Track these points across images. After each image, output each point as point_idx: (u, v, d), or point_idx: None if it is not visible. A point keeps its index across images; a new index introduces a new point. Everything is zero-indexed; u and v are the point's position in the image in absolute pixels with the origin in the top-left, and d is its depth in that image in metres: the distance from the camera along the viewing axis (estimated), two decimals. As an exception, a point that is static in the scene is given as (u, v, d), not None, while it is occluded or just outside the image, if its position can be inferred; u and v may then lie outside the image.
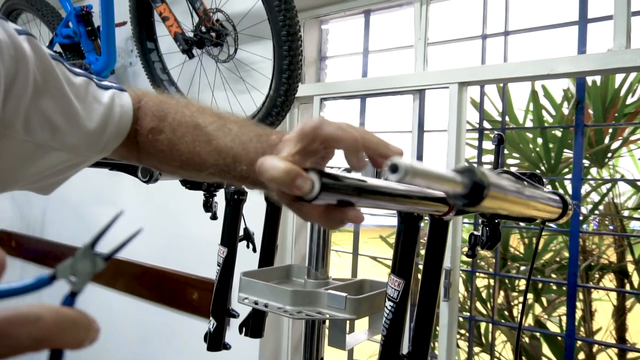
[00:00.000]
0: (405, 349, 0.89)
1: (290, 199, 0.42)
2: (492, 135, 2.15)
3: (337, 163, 0.49)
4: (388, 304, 0.84)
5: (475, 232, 0.87)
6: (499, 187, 0.34)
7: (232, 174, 0.56)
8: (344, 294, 0.88)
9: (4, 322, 0.21)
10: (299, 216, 0.45)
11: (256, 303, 0.94)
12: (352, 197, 0.39)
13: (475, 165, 0.33)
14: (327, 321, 1.00)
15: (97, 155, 0.62)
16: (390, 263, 2.40)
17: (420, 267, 0.91)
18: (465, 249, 1.87)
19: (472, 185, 0.32)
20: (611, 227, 2.21)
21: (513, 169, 2.25)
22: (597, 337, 2.07)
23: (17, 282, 0.24)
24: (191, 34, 1.58)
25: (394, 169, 0.24)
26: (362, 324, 1.04)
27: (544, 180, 0.80)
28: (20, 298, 0.24)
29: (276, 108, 1.45)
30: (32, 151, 0.53)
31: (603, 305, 2.15)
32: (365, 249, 2.00)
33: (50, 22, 2.04)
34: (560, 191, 2.14)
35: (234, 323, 1.18)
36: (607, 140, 2.07)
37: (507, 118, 2.16)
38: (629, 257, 2.07)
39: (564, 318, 2.10)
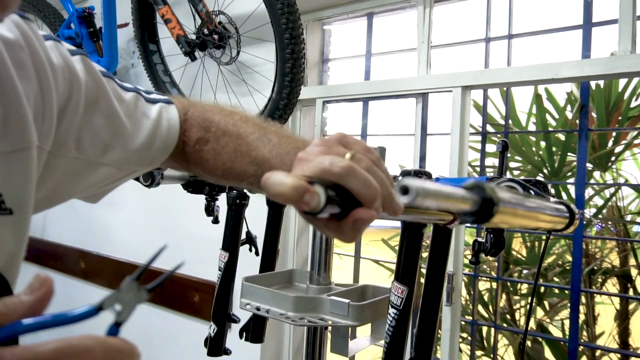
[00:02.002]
0: (407, 354, 0.88)
1: (310, 216, 0.41)
2: (494, 138, 2.15)
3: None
4: (391, 311, 0.84)
5: (479, 239, 0.86)
6: (508, 203, 0.33)
7: None
8: (347, 301, 0.87)
9: (57, 353, 0.22)
10: (323, 232, 0.43)
11: (258, 309, 0.93)
12: None
13: (484, 179, 0.33)
14: (330, 327, 0.99)
15: (146, 169, 0.63)
16: (391, 266, 2.38)
17: (423, 270, 0.90)
18: (468, 252, 1.86)
19: (482, 201, 0.31)
20: (613, 230, 2.20)
21: (515, 173, 2.24)
22: (600, 341, 2.06)
23: (65, 311, 0.25)
24: (193, 36, 1.57)
25: (405, 190, 0.23)
26: (364, 328, 1.03)
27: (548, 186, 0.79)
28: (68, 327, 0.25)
29: (278, 111, 1.44)
30: (83, 168, 0.55)
31: (606, 308, 2.14)
32: (367, 252, 1.99)
33: (52, 23, 2.04)
34: (566, 199, 2.12)
35: (234, 327, 1.18)
36: (610, 144, 2.06)
37: (510, 121, 2.15)
38: (632, 262, 2.06)
39: (566, 322, 2.09)
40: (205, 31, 1.55)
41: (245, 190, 1.19)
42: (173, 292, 1.93)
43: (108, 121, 0.56)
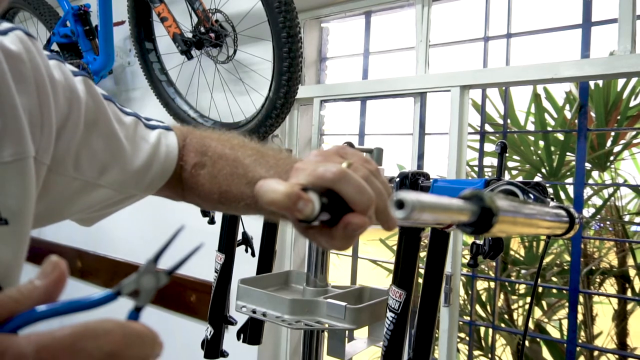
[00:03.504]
0: (405, 355, 0.87)
1: (304, 227, 0.41)
2: (492, 138, 2.14)
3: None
4: (389, 314, 0.83)
5: (478, 241, 0.85)
6: (508, 212, 0.32)
7: None
8: (344, 304, 0.86)
9: (75, 336, 0.22)
10: (318, 244, 0.42)
11: (254, 312, 0.93)
12: None
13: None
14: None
15: (143, 193, 0.63)
16: (389, 266, 2.37)
17: (421, 271, 0.89)
18: (466, 252, 1.86)
19: (480, 212, 0.30)
20: (611, 229, 2.20)
21: (514, 173, 2.24)
22: (598, 342, 2.06)
23: (82, 297, 0.24)
24: (190, 35, 1.56)
25: (400, 205, 0.22)
26: (361, 330, 1.02)
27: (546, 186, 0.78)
28: (85, 313, 0.24)
29: (276, 110, 1.43)
30: (80, 188, 0.55)
31: (604, 308, 2.14)
32: (365, 251, 1.99)
33: (48, 21, 2.02)
34: (564, 199, 2.11)
35: (231, 328, 1.17)
36: (609, 144, 2.05)
37: (508, 121, 2.14)
38: (630, 262, 2.06)
39: (564, 322, 2.09)
40: (202, 29, 1.53)
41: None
42: (169, 291, 1.92)
43: (107, 142, 0.56)
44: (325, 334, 1.01)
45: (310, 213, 0.34)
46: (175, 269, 0.26)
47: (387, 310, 0.83)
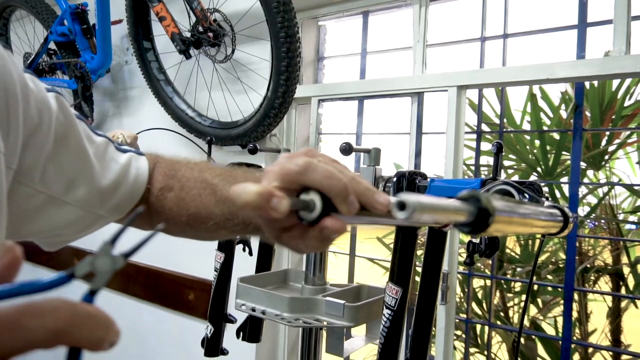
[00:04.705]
0: (402, 354, 0.88)
1: (278, 231, 0.41)
2: (488, 137, 2.15)
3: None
4: (386, 311, 0.84)
5: (474, 240, 0.86)
6: (503, 212, 0.34)
7: (235, 221, 0.57)
8: (342, 302, 0.88)
9: (18, 313, 0.20)
10: (293, 250, 0.42)
11: (253, 310, 0.94)
12: (354, 217, 0.39)
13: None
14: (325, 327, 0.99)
15: (110, 217, 0.63)
16: (385, 264, 2.38)
17: (418, 269, 0.91)
18: (463, 250, 1.87)
19: (477, 212, 0.31)
20: (605, 228, 2.22)
21: (510, 172, 2.25)
22: (593, 338, 2.08)
23: (33, 280, 0.23)
24: (188, 34, 1.56)
25: (402, 206, 0.24)
26: (358, 328, 1.03)
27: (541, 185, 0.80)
28: (36, 296, 0.23)
29: (274, 110, 1.44)
30: (45, 203, 0.54)
31: (598, 305, 2.16)
32: (362, 249, 2.00)
33: (45, 20, 2.02)
34: (560, 197, 2.12)
35: (230, 326, 1.18)
36: (604, 143, 2.07)
37: (504, 120, 2.16)
38: (624, 259, 2.08)
39: (559, 319, 2.11)
40: (200, 29, 1.54)
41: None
42: (167, 290, 1.93)
43: (75, 158, 0.56)
44: (324, 331, 1.02)
45: (286, 210, 0.34)
46: (133, 252, 0.25)
47: (384, 307, 0.84)
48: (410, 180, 0.86)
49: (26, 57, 2.16)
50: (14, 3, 2.14)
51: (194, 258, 1.86)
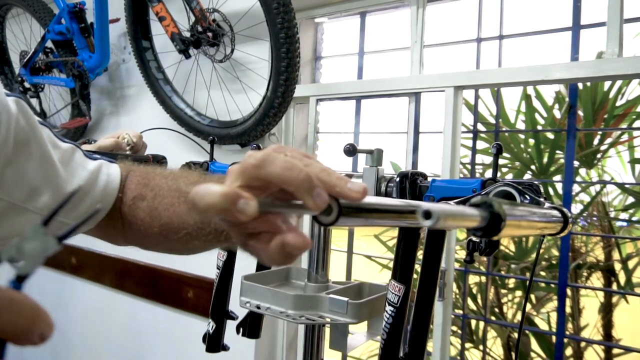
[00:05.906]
0: (400, 350, 0.91)
1: (245, 237, 0.37)
2: (484, 136, 2.18)
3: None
4: (388, 308, 0.86)
5: (474, 238, 0.89)
6: (514, 216, 0.36)
7: (207, 229, 0.55)
8: (346, 299, 0.90)
9: None
10: (258, 258, 0.39)
11: (258, 307, 0.95)
12: (361, 219, 0.40)
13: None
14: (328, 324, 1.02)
15: (77, 227, 0.60)
16: (382, 261, 2.39)
17: (417, 267, 0.93)
18: (459, 247, 1.88)
19: (490, 217, 0.33)
20: (597, 225, 2.26)
21: (504, 170, 2.29)
22: (585, 333, 2.12)
23: None
24: (187, 34, 1.57)
25: (428, 215, 0.26)
26: (359, 325, 1.05)
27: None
28: None
29: (273, 109, 1.46)
30: (5, 210, 0.51)
31: (590, 301, 2.20)
32: (359, 247, 2.02)
33: (42, 18, 2.02)
34: (553, 195, 2.15)
35: (230, 323, 1.20)
36: (596, 142, 2.11)
37: (499, 120, 2.19)
38: (616, 256, 2.12)
39: (552, 314, 2.16)
40: (200, 29, 1.55)
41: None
42: (166, 287, 1.94)
43: (39, 165, 0.53)
44: (327, 328, 1.04)
45: (255, 212, 0.31)
46: (68, 235, 0.23)
47: (387, 305, 0.87)
48: (412, 180, 0.88)
49: (22, 55, 2.16)
50: (10, 1, 2.13)
51: (193, 256, 1.87)
